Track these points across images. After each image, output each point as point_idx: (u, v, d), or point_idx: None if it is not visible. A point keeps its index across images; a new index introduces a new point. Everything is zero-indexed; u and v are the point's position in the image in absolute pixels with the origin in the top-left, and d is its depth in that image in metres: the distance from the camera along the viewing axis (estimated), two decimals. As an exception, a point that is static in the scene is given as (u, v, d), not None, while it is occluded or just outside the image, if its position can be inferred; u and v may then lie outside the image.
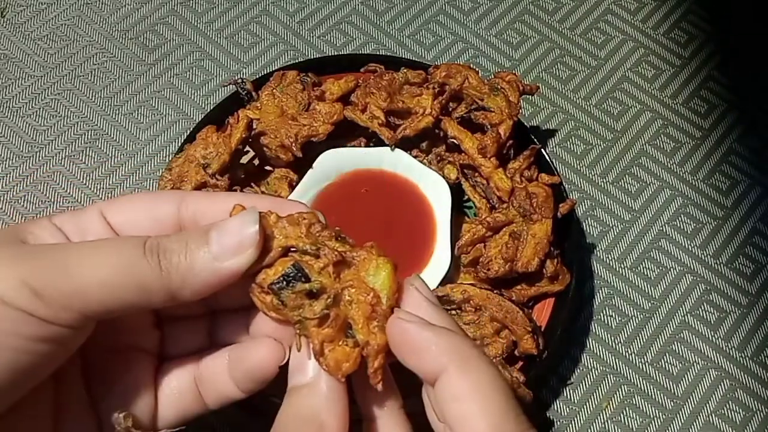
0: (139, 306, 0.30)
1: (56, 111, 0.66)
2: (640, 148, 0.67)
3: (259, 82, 0.58)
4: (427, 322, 0.30)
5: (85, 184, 0.63)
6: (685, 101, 0.70)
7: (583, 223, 0.64)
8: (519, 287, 0.54)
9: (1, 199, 0.62)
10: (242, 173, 0.54)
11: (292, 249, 0.32)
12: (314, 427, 0.29)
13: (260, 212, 0.32)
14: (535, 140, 0.58)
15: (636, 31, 0.73)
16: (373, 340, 0.30)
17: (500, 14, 0.73)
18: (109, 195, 0.63)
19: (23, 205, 0.62)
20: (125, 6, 0.71)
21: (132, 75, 0.68)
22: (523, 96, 0.58)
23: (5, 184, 0.63)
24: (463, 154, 0.56)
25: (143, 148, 0.65)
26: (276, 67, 0.62)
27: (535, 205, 0.53)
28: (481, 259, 0.53)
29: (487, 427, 0.27)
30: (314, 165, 0.54)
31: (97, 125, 0.66)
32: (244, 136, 0.51)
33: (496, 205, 0.55)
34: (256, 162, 0.58)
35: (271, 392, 0.50)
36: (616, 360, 0.59)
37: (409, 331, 0.30)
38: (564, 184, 0.57)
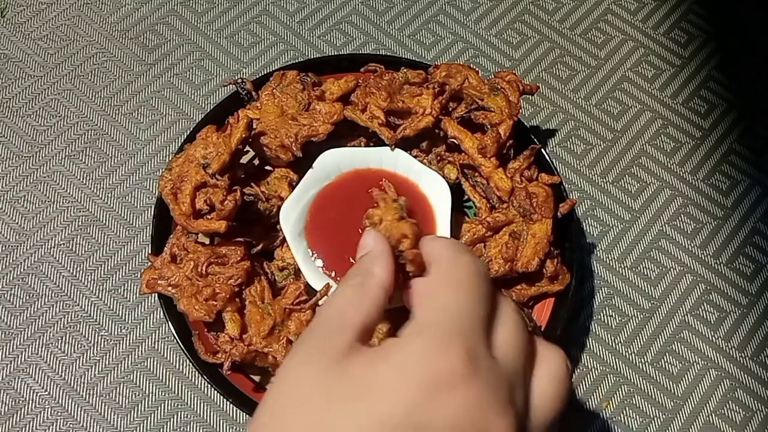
0: None
1: (56, 111, 0.66)
2: (640, 148, 0.67)
3: (259, 82, 0.58)
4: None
5: (85, 184, 0.63)
6: (685, 101, 0.70)
7: (583, 223, 0.64)
8: (519, 287, 0.54)
9: (1, 199, 0.62)
10: (242, 173, 0.54)
11: None
12: (365, 274, 0.38)
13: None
14: (535, 140, 0.58)
15: (636, 31, 0.73)
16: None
17: (500, 14, 0.73)
18: (109, 195, 0.63)
19: (23, 205, 0.62)
20: (125, 6, 0.71)
21: (132, 75, 0.68)
22: (523, 96, 0.58)
23: (5, 184, 0.63)
24: (463, 154, 0.56)
25: (143, 148, 0.65)
26: (276, 67, 0.62)
27: (535, 205, 0.53)
28: (481, 259, 0.53)
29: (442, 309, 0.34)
30: (314, 165, 0.54)
31: (97, 125, 0.66)
32: (244, 136, 0.51)
33: (496, 205, 0.55)
34: (256, 162, 0.58)
35: (266, 383, 0.51)
36: (616, 360, 0.59)
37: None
38: (564, 184, 0.57)
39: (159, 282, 0.51)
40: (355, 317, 0.35)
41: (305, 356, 0.34)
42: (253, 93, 0.57)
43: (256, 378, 0.52)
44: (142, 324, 0.58)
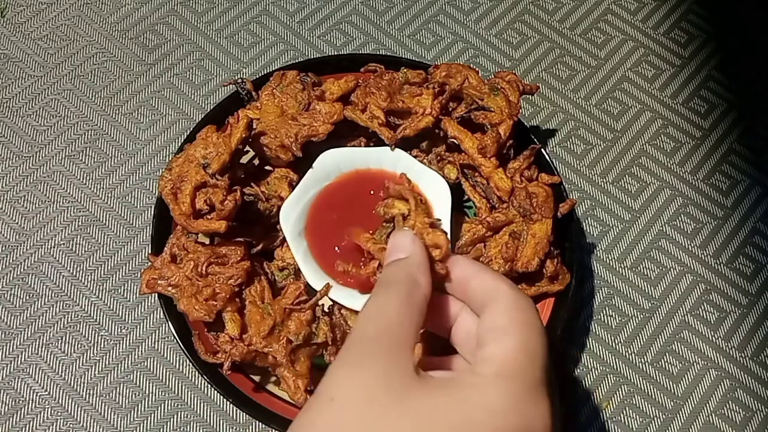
0: None
1: (56, 111, 0.66)
2: (640, 148, 0.67)
3: (259, 82, 0.58)
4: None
5: (85, 184, 0.63)
6: (685, 101, 0.70)
7: (583, 223, 0.64)
8: (519, 287, 0.53)
9: (1, 199, 0.62)
10: (242, 173, 0.54)
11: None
12: (413, 283, 0.36)
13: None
14: (535, 140, 0.58)
15: (636, 31, 0.73)
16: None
17: (500, 14, 0.73)
18: (109, 195, 0.63)
19: (23, 205, 0.62)
20: (125, 6, 0.71)
21: (132, 75, 0.68)
22: (523, 96, 0.58)
23: (5, 184, 0.63)
24: (463, 154, 0.56)
25: (143, 148, 0.65)
26: (276, 67, 0.62)
27: (535, 205, 0.53)
28: (481, 259, 0.53)
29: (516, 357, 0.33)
30: (314, 165, 0.54)
31: (97, 125, 0.66)
32: (244, 136, 0.51)
33: (496, 205, 0.55)
34: (256, 162, 0.58)
35: (266, 383, 0.51)
36: (616, 360, 0.59)
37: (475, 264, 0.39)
38: (564, 184, 0.57)
39: (159, 282, 0.51)
40: (410, 333, 0.33)
41: (360, 376, 0.31)
42: (253, 93, 0.57)
43: (256, 378, 0.52)
44: (142, 324, 0.58)
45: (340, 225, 0.52)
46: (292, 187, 0.54)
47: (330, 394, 0.31)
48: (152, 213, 0.56)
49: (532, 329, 0.34)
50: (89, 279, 0.59)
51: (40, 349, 0.57)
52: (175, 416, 0.55)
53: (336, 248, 0.51)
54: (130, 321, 0.58)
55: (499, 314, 0.35)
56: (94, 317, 0.58)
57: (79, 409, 0.55)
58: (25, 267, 0.60)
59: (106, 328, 0.58)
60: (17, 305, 0.58)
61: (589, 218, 0.64)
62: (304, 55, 0.70)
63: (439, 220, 0.44)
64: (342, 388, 0.31)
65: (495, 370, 0.32)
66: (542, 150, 0.57)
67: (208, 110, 0.61)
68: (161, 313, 0.53)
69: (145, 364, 0.57)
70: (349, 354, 0.33)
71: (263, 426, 0.54)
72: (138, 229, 0.61)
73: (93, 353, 0.57)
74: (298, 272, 0.53)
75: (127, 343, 0.57)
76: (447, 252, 0.40)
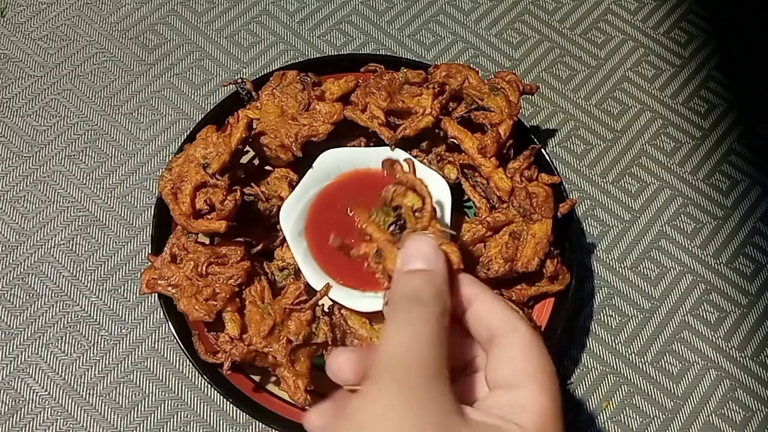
0: None
1: (56, 111, 0.66)
2: (640, 148, 0.67)
3: (259, 82, 0.58)
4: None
5: (85, 184, 0.63)
6: (685, 101, 0.70)
7: (583, 223, 0.64)
8: (519, 287, 0.54)
9: (1, 199, 0.62)
10: (242, 173, 0.54)
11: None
12: (443, 302, 0.34)
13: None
14: (535, 140, 0.58)
15: (636, 31, 0.73)
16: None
17: (500, 14, 0.73)
18: (109, 195, 0.63)
19: (23, 205, 0.62)
20: (125, 6, 0.71)
21: (132, 75, 0.68)
22: (523, 96, 0.58)
23: (5, 184, 0.63)
24: (463, 154, 0.56)
25: (143, 148, 0.65)
26: (276, 67, 0.62)
27: (535, 205, 0.53)
28: (481, 259, 0.53)
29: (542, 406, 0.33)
30: (314, 165, 0.54)
31: (97, 125, 0.66)
32: (244, 136, 0.51)
33: (496, 205, 0.55)
34: (256, 162, 0.58)
35: (266, 383, 0.51)
36: (616, 360, 0.59)
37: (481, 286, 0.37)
38: (564, 184, 0.57)
39: (159, 282, 0.51)
40: (445, 362, 0.32)
41: (404, 411, 0.29)
42: (253, 93, 0.57)
43: (256, 378, 0.52)
44: (142, 324, 0.58)
45: (341, 225, 0.52)
46: (292, 187, 0.54)
47: (368, 423, 0.30)
48: (152, 213, 0.56)
49: (553, 377, 0.34)
50: (89, 279, 0.59)
51: (40, 349, 0.57)
52: (175, 416, 0.55)
53: None
54: (130, 321, 0.58)
55: (518, 355, 0.34)
56: (94, 317, 0.58)
57: (79, 409, 0.55)
58: (25, 267, 0.60)
59: (106, 328, 0.58)
60: (17, 305, 0.58)
61: (589, 218, 0.64)
62: (304, 55, 0.70)
63: (453, 232, 0.42)
64: (386, 421, 0.29)
65: (534, 423, 0.32)
66: (542, 150, 0.57)
67: (208, 110, 0.60)
68: (161, 313, 0.53)
69: (145, 364, 0.57)
70: (386, 380, 0.31)
71: (263, 426, 0.54)
72: (138, 229, 0.61)
73: (93, 353, 0.57)
74: (298, 272, 0.53)
75: (127, 343, 0.57)
76: (460, 269, 0.37)
